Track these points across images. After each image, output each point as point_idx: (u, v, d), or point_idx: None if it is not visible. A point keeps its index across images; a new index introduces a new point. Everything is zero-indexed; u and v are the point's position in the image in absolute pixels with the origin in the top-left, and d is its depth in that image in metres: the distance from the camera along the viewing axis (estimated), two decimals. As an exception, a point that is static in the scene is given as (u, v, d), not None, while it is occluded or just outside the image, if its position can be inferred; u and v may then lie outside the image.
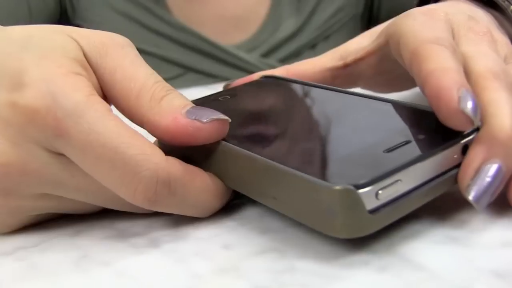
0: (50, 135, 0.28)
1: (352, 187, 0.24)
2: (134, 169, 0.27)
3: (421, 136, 0.28)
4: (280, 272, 0.27)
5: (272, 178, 0.27)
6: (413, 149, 0.27)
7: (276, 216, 0.31)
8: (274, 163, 0.27)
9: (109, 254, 0.30)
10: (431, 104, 0.28)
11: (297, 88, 0.37)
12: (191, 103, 0.30)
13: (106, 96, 0.31)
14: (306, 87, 0.37)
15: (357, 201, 0.24)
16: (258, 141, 0.30)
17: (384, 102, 0.32)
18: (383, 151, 0.27)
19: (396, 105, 0.31)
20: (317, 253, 0.28)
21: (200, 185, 0.29)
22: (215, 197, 0.30)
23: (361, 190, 0.24)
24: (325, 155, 0.28)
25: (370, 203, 0.25)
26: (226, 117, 0.29)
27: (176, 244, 0.30)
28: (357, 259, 0.27)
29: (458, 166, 0.27)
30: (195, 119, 0.29)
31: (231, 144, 0.29)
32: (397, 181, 0.25)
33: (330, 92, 0.35)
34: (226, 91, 0.39)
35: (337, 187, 0.24)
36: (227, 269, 0.28)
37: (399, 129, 0.29)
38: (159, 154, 0.28)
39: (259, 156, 0.28)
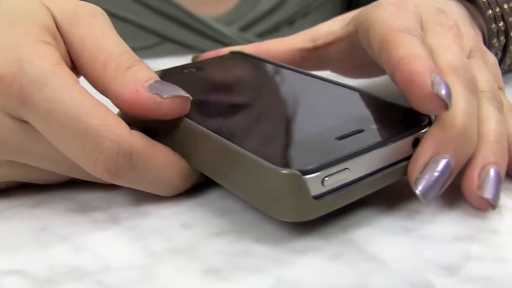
0: (14, 102, 0.28)
1: (298, 172, 0.24)
2: (96, 139, 0.27)
3: (374, 126, 0.28)
4: (234, 255, 0.27)
5: (225, 157, 0.27)
6: (364, 139, 0.27)
7: (237, 198, 0.31)
8: (228, 142, 0.27)
9: (68, 227, 0.30)
10: (402, 89, 0.28)
11: (263, 66, 0.37)
12: (156, 76, 0.30)
13: (75, 64, 0.31)
14: (272, 66, 0.37)
15: (302, 187, 0.25)
16: (215, 118, 0.30)
17: (346, 89, 0.32)
18: (335, 138, 0.27)
19: (357, 93, 0.32)
20: (273, 237, 0.28)
21: (162, 161, 0.29)
22: (179, 176, 0.30)
23: (307, 176, 0.25)
24: (278, 138, 0.28)
25: (316, 189, 0.25)
26: (187, 95, 0.29)
27: (135, 221, 0.30)
28: (310, 245, 0.27)
29: (408, 158, 0.28)
30: (155, 94, 0.29)
31: (191, 121, 0.29)
32: (344, 169, 0.26)
33: (295, 74, 0.35)
34: (193, 63, 0.39)
35: (284, 171, 0.25)
36: (184, 249, 0.28)
37: (355, 117, 0.29)
38: (122, 126, 0.28)
39: (214, 134, 0.28)
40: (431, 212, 0.30)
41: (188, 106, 0.30)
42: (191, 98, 0.30)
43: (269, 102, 0.33)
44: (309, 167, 0.25)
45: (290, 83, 0.35)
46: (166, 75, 0.36)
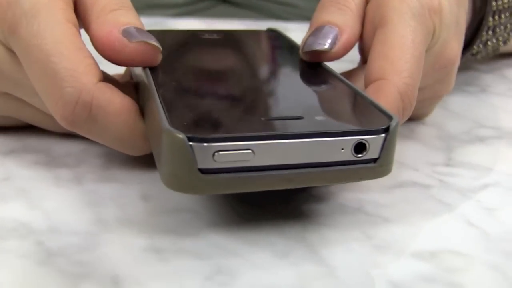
0: (6, 30, 0.28)
1: (182, 136, 0.22)
2: (59, 82, 0.27)
3: (319, 118, 0.25)
4: (182, 236, 0.26)
5: (149, 112, 0.26)
6: (294, 126, 0.24)
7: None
8: (156, 94, 0.26)
9: (31, 181, 0.30)
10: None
11: (275, 47, 0.36)
12: (139, 24, 0.29)
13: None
14: (281, 50, 0.35)
15: (186, 153, 0.22)
16: (170, 79, 0.28)
17: (322, 73, 0.30)
18: (264, 118, 0.24)
19: (338, 83, 0.29)
20: (228, 224, 0.27)
21: (124, 119, 0.28)
22: (140, 137, 0.29)
23: (193, 143, 0.22)
24: (200, 103, 0.26)
25: (204, 162, 0.22)
26: (155, 44, 0.28)
27: (97, 185, 0.30)
28: (264, 239, 0.26)
29: (348, 163, 0.24)
30: (125, 37, 0.28)
31: (150, 79, 0.28)
32: (246, 150, 0.23)
33: (293, 60, 0.33)
34: (220, 31, 0.37)
35: (169, 131, 0.22)
36: (134, 222, 0.27)
37: (307, 104, 0.27)
38: (92, 75, 0.27)
39: (152, 86, 0.26)
40: (399, 222, 0.28)
41: (155, 57, 0.29)
42: (160, 48, 0.29)
43: (230, 75, 0.31)
44: (200, 135, 0.22)
45: (274, 64, 0.33)
46: (175, 35, 0.35)
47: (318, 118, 0.25)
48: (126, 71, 0.34)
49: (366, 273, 0.25)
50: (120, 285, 0.23)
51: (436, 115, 0.39)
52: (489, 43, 0.42)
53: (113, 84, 0.28)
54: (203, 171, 0.23)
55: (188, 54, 0.33)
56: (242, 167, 0.23)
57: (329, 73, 0.30)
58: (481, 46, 0.41)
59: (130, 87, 0.31)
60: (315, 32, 0.32)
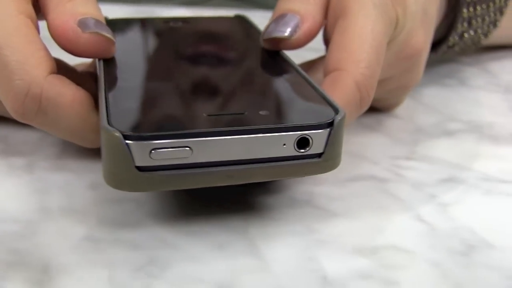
0: None
1: (119, 134, 0.22)
2: (10, 75, 0.26)
3: (262, 112, 0.24)
4: (122, 226, 0.26)
5: (98, 106, 0.26)
6: (234, 122, 0.24)
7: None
8: (103, 88, 0.25)
9: (-18, 168, 0.30)
10: None
11: (236, 34, 0.35)
12: (99, 16, 0.29)
13: None
14: (244, 38, 0.35)
15: (122, 151, 0.22)
16: (119, 70, 0.28)
17: (278, 63, 0.30)
18: (206, 114, 0.24)
19: (286, 68, 0.29)
20: (169, 214, 0.27)
21: (77, 112, 0.28)
22: (92, 130, 0.29)
23: (129, 141, 0.22)
24: (141, 98, 0.26)
25: (141, 160, 0.22)
26: (108, 36, 0.28)
27: (48, 173, 0.30)
28: (203, 230, 0.26)
29: (290, 159, 0.24)
30: (80, 27, 0.28)
31: (102, 70, 0.28)
32: (184, 147, 0.22)
33: (252, 48, 0.33)
34: (183, 18, 0.37)
35: (107, 129, 0.22)
36: (78, 211, 0.27)
37: (254, 96, 0.26)
38: (43, 68, 0.27)
39: (102, 81, 0.26)
40: (346, 216, 0.28)
41: (108, 49, 0.28)
42: (114, 41, 0.28)
43: (182, 68, 0.30)
44: (136, 133, 0.22)
45: (232, 54, 0.32)
46: (141, 24, 0.35)
47: (262, 113, 0.25)
48: (92, 61, 0.34)
49: (301, 268, 0.24)
50: (49, 273, 0.23)
51: (408, 107, 0.38)
52: (465, 35, 0.41)
53: (71, 76, 0.28)
54: (140, 168, 0.23)
55: (146, 45, 0.33)
56: (180, 164, 0.23)
57: (285, 64, 0.30)
58: (457, 38, 0.41)
59: (90, 78, 0.31)
60: (277, 20, 0.31)
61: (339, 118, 0.24)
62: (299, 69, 0.29)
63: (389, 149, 0.34)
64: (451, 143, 0.35)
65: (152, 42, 0.33)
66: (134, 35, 0.34)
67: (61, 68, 0.29)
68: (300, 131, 0.24)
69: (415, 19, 0.33)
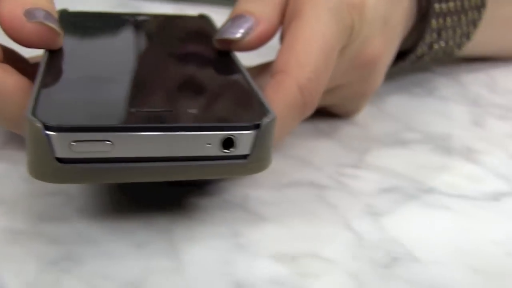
0: None
1: (40, 124, 0.22)
2: None
3: (192, 111, 0.24)
4: (46, 219, 0.26)
5: None
6: (160, 119, 0.23)
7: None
8: (39, 79, 0.25)
9: None
10: None
11: (190, 34, 0.35)
12: (49, 7, 0.28)
13: None
14: (196, 37, 0.35)
15: (43, 142, 0.22)
16: (59, 64, 0.28)
17: (225, 63, 0.30)
18: (134, 109, 0.24)
19: (231, 69, 0.29)
20: (99, 210, 0.27)
21: (17, 100, 0.27)
22: None
23: (49, 132, 0.22)
24: (74, 90, 0.26)
25: (61, 151, 0.22)
26: (53, 26, 0.28)
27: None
28: (128, 228, 0.26)
29: (214, 158, 0.24)
30: (25, 17, 0.28)
31: (43, 61, 0.27)
32: (105, 141, 0.22)
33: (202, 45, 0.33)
34: (150, 15, 0.37)
35: (28, 118, 0.22)
36: (5, 202, 0.27)
37: (188, 94, 0.26)
38: None
39: (41, 71, 0.26)
40: (275, 221, 0.27)
41: (53, 40, 0.28)
42: (59, 32, 0.28)
43: (123, 62, 0.30)
44: (56, 124, 0.22)
45: (180, 53, 0.32)
46: (100, 18, 0.35)
47: (191, 111, 0.24)
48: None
49: (215, 271, 0.24)
50: (-40, 263, 0.23)
51: (368, 114, 0.38)
52: (435, 46, 0.41)
53: (21, 66, 0.28)
54: (61, 160, 0.22)
55: (97, 39, 0.33)
56: (101, 158, 0.23)
57: (231, 65, 0.30)
58: (425, 48, 0.40)
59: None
60: (231, 20, 0.31)
61: (267, 121, 0.24)
62: (244, 71, 0.29)
63: (337, 156, 0.33)
64: (402, 153, 0.34)
65: (104, 36, 0.33)
66: (89, 29, 0.33)
67: (9, 58, 0.29)
68: (225, 131, 0.24)
69: (372, 27, 0.33)
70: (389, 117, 0.39)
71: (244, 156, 0.24)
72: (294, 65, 0.28)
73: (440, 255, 0.26)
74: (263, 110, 0.25)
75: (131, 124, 0.23)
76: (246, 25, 0.30)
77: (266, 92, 0.28)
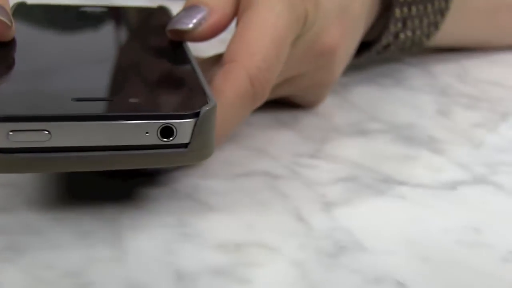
0: None
1: None
2: None
3: (133, 100, 0.24)
4: (1, 210, 0.26)
5: None
6: (99, 108, 0.24)
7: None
8: None
9: None
10: None
11: (140, 23, 0.35)
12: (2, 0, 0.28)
13: None
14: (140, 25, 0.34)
15: None
16: (6, 55, 0.28)
17: (175, 53, 0.29)
18: (71, 98, 0.24)
19: (179, 59, 0.29)
20: (46, 200, 0.27)
21: None
22: None
23: None
24: (16, 80, 0.26)
25: (0, 142, 0.22)
26: (2, 19, 0.28)
27: None
28: (74, 218, 0.26)
29: (153, 147, 0.24)
30: None
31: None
32: (42, 130, 0.22)
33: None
34: (109, 6, 0.36)
35: None
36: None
37: (130, 83, 0.26)
38: None
39: None
40: (223, 211, 0.27)
41: (2, 32, 0.28)
42: (8, 23, 0.28)
43: (67, 52, 0.30)
44: None
45: (130, 44, 0.32)
46: (57, 10, 0.34)
47: (131, 100, 0.24)
48: None
49: (157, 261, 0.24)
50: None
51: (331, 104, 0.38)
52: (401, 35, 0.40)
53: None
54: None
55: (49, 31, 0.32)
56: (38, 148, 0.23)
57: (181, 55, 0.29)
58: (391, 38, 0.40)
59: None
60: (184, 11, 0.31)
61: (207, 109, 0.24)
62: (193, 61, 0.29)
63: (295, 146, 0.33)
64: (362, 142, 0.34)
65: (57, 28, 0.33)
66: (44, 21, 0.33)
67: None
68: (163, 119, 0.23)
69: (328, 16, 0.32)
70: (353, 107, 0.38)
71: (184, 145, 0.24)
72: (244, 54, 0.28)
73: (389, 244, 0.26)
74: (204, 99, 0.25)
75: (67, 113, 0.23)
76: (199, 15, 0.30)
77: (215, 81, 0.28)
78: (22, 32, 0.29)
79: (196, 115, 0.24)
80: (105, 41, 0.31)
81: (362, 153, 0.33)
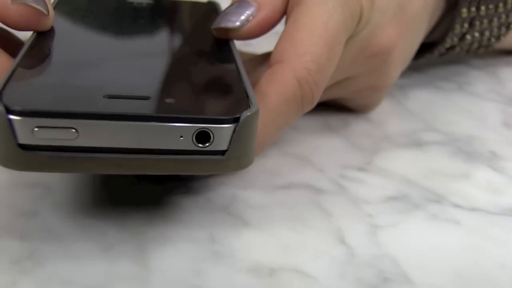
0: None
1: (2, 108, 0.20)
2: None
3: (169, 100, 0.22)
4: (18, 213, 0.25)
5: None
6: (136, 107, 0.22)
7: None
8: (16, 60, 0.24)
9: None
10: None
11: (186, 17, 0.33)
12: None
13: None
14: (184, 21, 0.32)
15: (5, 127, 0.21)
16: (42, 47, 0.27)
17: (220, 52, 0.27)
18: (105, 95, 0.22)
19: (224, 58, 0.27)
20: (77, 204, 0.26)
21: None
22: None
23: (12, 116, 0.20)
24: (50, 75, 0.24)
25: (24, 137, 0.21)
26: (39, 7, 0.26)
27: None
28: (99, 227, 0.24)
29: (188, 153, 0.22)
30: None
31: (28, 42, 0.26)
32: (69, 128, 0.21)
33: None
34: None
35: None
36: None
37: (171, 83, 0.24)
38: None
39: (22, 52, 0.24)
40: (260, 228, 0.25)
41: (39, 21, 0.26)
42: (46, 13, 0.26)
43: (109, 48, 0.28)
44: (19, 108, 0.20)
45: (176, 40, 0.30)
46: (102, 2, 0.33)
47: (168, 100, 0.23)
48: None
49: (182, 282, 0.22)
50: None
51: (386, 110, 0.35)
52: (467, 37, 0.37)
53: (12, 46, 0.27)
54: (23, 146, 0.21)
55: (91, 23, 0.31)
56: (65, 146, 0.21)
57: (225, 54, 0.27)
58: (456, 39, 0.37)
59: None
60: (232, 7, 0.29)
61: (248, 114, 0.22)
62: (238, 60, 0.26)
63: (342, 156, 0.31)
64: (416, 155, 0.31)
65: (100, 20, 0.31)
66: (87, 13, 0.32)
67: (1, 39, 0.28)
68: (200, 123, 0.21)
69: (384, 14, 0.30)
70: (409, 114, 0.36)
71: (222, 152, 0.22)
72: (292, 55, 0.26)
73: (437, 279, 0.23)
74: (245, 103, 0.22)
75: (96, 111, 0.21)
76: (247, 12, 0.28)
77: (261, 83, 0.26)
78: (63, 23, 0.28)
79: (235, 120, 0.22)
80: (148, 36, 0.30)
81: (415, 168, 0.30)
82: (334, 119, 0.34)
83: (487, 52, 0.42)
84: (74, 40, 0.28)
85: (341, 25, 0.27)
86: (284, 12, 0.29)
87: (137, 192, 0.26)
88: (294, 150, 0.31)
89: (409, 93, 0.38)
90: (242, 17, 0.28)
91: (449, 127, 0.34)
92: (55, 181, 0.27)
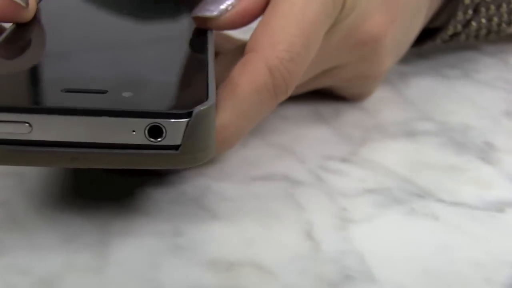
0: None
1: None
2: None
3: (126, 94, 0.22)
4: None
5: None
6: (90, 102, 0.22)
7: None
8: None
9: None
10: None
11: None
12: None
13: None
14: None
15: None
16: (17, 39, 0.27)
17: (192, 42, 0.27)
18: (62, 89, 0.22)
19: (195, 48, 0.26)
20: (41, 194, 0.26)
21: None
22: None
23: None
24: (11, 68, 0.24)
25: None
26: (17, 1, 0.26)
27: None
28: (64, 219, 0.25)
29: (140, 147, 0.22)
30: None
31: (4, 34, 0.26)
32: (23, 123, 0.21)
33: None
34: None
35: None
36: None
37: (132, 75, 0.24)
38: None
39: None
40: (227, 221, 0.25)
41: (16, 14, 0.27)
42: (24, 5, 0.27)
43: (81, 38, 0.28)
44: None
45: (153, 31, 0.30)
46: None
47: (125, 94, 0.22)
48: None
49: (137, 275, 0.22)
50: None
51: (381, 98, 0.34)
52: (473, 23, 0.36)
53: None
54: None
55: (71, 16, 0.31)
56: (18, 140, 0.21)
57: (199, 45, 0.27)
58: (459, 26, 0.35)
59: None
60: None
61: (201, 108, 0.21)
62: (208, 52, 0.26)
63: (327, 146, 0.30)
64: (405, 146, 0.31)
65: (82, 13, 0.31)
66: (72, 7, 0.32)
67: None
68: (152, 118, 0.21)
69: (371, 1, 0.29)
70: (406, 103, 0.35)
71: (176, 147, 0.22)
72: (266, 44, 0.25)
73: (404, 277, 0.23)
74: (202, 96, 0.22)
75: (49, 106, 0.21)
76: (227, 2, 0.27)
77: (233, 73, 0.25)
78: (46, 16, 0.28)
79: (188, 115, 0.21)
80: (120, 25, 0.29)
81: (402, 160, 0.29)
82: (326, 108, 0.33)
83: (502, 38, 0.40)
84: (48, 33, 0.28)
85: (320, 12, 0.26)
86: (267, 3, 0.28)
87: (111, 184, 0.26)
88: (278, 140, 0.30)
89: (410, 80, 0.37)
90: (222, 7, 0.27)
91: (445, 116, 0.33)
92: (30, 170, 0.27)
